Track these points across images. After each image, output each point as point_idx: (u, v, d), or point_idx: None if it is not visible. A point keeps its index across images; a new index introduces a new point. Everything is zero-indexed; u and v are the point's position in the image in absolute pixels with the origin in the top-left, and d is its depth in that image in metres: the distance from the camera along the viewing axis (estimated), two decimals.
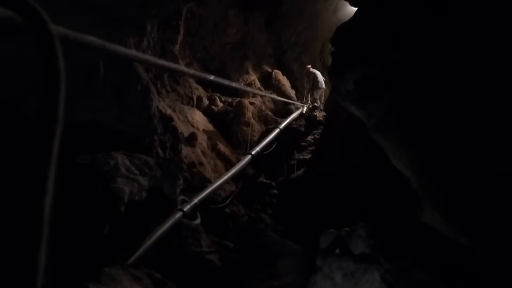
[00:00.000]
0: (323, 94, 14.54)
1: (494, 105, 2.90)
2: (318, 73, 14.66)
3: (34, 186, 0.72)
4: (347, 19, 4.86)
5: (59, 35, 0.75)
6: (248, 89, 11.53)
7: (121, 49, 1.86)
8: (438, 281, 3.43)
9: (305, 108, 12.25)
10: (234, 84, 9.52)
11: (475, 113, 3.02)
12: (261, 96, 14.33)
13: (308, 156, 10.45)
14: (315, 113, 12.85)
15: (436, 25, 3.35)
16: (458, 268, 3.43)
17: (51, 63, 0.73)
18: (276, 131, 11.35)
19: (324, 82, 14.28)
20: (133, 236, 5.33)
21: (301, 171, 9.35)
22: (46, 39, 0.74)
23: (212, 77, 6.47)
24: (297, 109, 13.75)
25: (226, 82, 8.33)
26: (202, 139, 10.43)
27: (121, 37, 6.90)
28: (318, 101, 14.43)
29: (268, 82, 15.17)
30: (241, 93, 14.07)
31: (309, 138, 11.61)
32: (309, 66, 14.99)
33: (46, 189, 0.72)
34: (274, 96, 12.25)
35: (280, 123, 12.06)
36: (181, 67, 5.99)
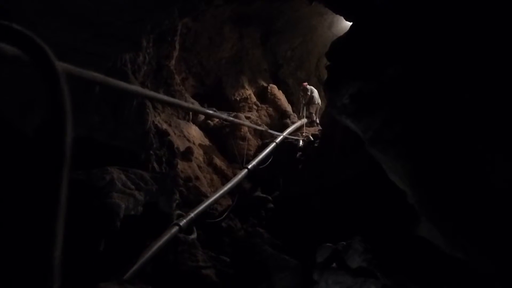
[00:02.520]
0: (319, 109, 14.67)
1: (490, 121, 2.93)
2: (314, 89, 14.83)
3: (43, 227, 0.73)
4: (342, 34, 4.91)
5: (64, 72, 0.77)
6: (246, 123, 11.50)
7: (121, 84, 1.88)
8: None
9: (301, 142, 12.05)
10: (231, 118, 9.62)
11: (471, 128, 3.04)
12: (257, 111, 14.37)
13: (304, 170, 10.45)
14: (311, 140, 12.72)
15: (431, 40, 3.39)
16: (455, 283, 3.43)
17: (58, 101, 0.75)
18: (272, 145, 11.37)
19: (320, 97, 14.41)
20: (129, 251, 5.30)
21: (297, 185, 9.34)
22: (53, 78, 0.76)
23: (212, 111, 6.62)
24: (293, 123, 13.79)
25: (223, 115, 8.56)
26: (198, 153, 10.43)
27: (117, 53, 6.93)
28: (314, 115, 14.53)
29: (263, 97, 15.23)
30: (237, 108, 14.11)
31: (305, 133, 11.82)
32: (306, 83, 15.15)
33: (56, 232, 0.73)
34: (268, 130, 12.09)
35: (276, 137, 12.07)
36: (181, 102, 6.01)
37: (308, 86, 14.88)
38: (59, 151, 0.73)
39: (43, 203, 0.72)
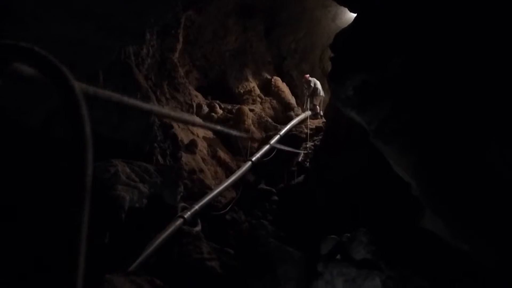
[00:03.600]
0: (322, 100, 14.60)
1: (495, 111, 2.91)
2: (317, 81, 14.75)
3: (68, 243, 0.75)
4: (346, 25, 4.89)
5: (82, 92, 0.78)
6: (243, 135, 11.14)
7: (137, 102, 1.88)
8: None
9: (301, 155, 11.15)
10: (234, 132, 9.50)
11: (477, 119, 3.02)
12: (261, 103, 14.35)
13: (308, 163, 10.44)
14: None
15: (436, 31, 3.37)
16: (459, 275, 3.42)
17: (78, 124, 0.76)
18: (276, 137, 11.35)
19: (324, 89, 14.35)
20: (134, 243, 5.32)
21: (301, 177, 9.34)
22: (72, 101, 0.76)
23: (219, 127, 6.65)
24: (297, 115, 13.76)
25: (233, 132, 8.53)
26: (202, 146, 10.43)
27: (120, 45, 6.92)
28: (318, 107, 14.47)
29: (267, 89, 15.20)
30: (241, 100, 14.09)
31: (310, 144, 11.61)
32: (307, 75, 15.06)
33: (79, 251, 0.75)
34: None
35: (280, 130, 12.05)
36: (195, 118, 6.01)
37: (310, 78, 14.79)
38: (81, 172, 0.74)
39: (67, 231, 0.74)
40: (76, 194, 0.72)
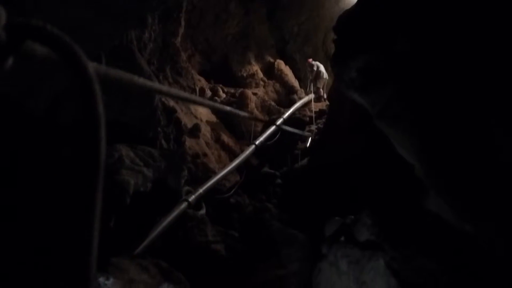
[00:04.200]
0: (326, 83, 14.53)
1: (500, 94, 2.90)
2: (320, 64, 14.67)
3: (81, 239, 0.76)
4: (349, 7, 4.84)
5: (95, 72, 0.78)
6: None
7: (147, 82, 1.88)
8: (442, 269, 3.44)
9: (309, 140, 10.81)
10: (242, 113, 9.35)
11: (481, 101, 3.01)
12: (264, 87, 14.31)
13: (312, 145, 10.45)
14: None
15: (441, 12, 3.34)
16: (463, 256, 3.44)
17: (91, 105, 0.76)
18: (280, 121, 11.34)
19: (327, 72, 14.27)
20: (139, 227, 5.37)
21: (305, 160, 9.36)
22: (86, 82, 0.77)
23: (228, 108, 6.62)
24: (301, 99, 13.72)
25: (241, 113, 8.52)
26: (205, 130, 10.45)
27: (122, 30, 6.89)
28: (321, 90, 14.42)
29: (270, 73, 15.15)
30: (244, 84, 14.05)
31: (313, 127, 11.60)
32: (310, 59, 14.98)
33: (92, 245, 0.76)
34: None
35: (283, 113, 12.04)
36: (203, 99, 6.00)
37: (313, 62, 14.71)
38: (94, 156, 0.74)
39: (78, 214, 0.75)
40: (90, 173, 0.73)
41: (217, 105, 8.38)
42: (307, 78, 15.20)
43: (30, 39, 0.73)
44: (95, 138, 0.75)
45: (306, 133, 11.16)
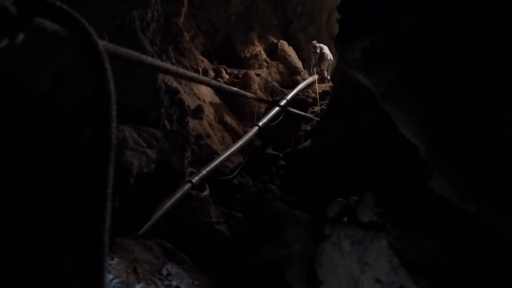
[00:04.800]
0: (330, 65, 14.43)
1: (505, 73, 2.87)
2: (324, 46, 14.55)
3: (93, 201, 0.76)
4: None
5: (104, 50, 0.78)
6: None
7: (155, 61, 1.89)
8: (445, 249, 3.46)
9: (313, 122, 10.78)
10: (249, 95, 9.32)
11: (485, 80, 2.98)
12: (267, 68, 14.23)
13: (315, 127, 10.42)
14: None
15: None
16: (466, 237, 3.45)
17: (102, 81, 0.76)
18: (283, 102, 11.30)
19: (332, 53, 14.16)
20: (143, 208, 5.40)
21: (308, 142, 9.35)
22: (97, 59, 0.77)
23: (234, 89, 6.57)
24: (304, 80, 13.65)
25: (248, 94, 8.46)
26: (208, 111, 10.44)
27: (125, 9, 6.83)
28: (326, 72, 14.32)
29: (274, 53, 15.04)
30: (247, 65, 13.97)
31: (316, 108, 11.56)
32: (315, 41, 14.85)
33: (106, 208, 0.76)
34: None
35: (287, 94, 11.98)
36: (209, 79, 5.95)
37: (317, 44, 14.58)
38: (104, 132, 0.75)
39: (90, 194, 0.75)
40: (101, 152, 0.73)
41: (223, 85, 8.30)
42: (310, 59, 15.10)
43: (40, 15, 0.73)
44: (106, 113, 0.75)
45: (309, 115, 11.11)
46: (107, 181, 0.74)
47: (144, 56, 1.68)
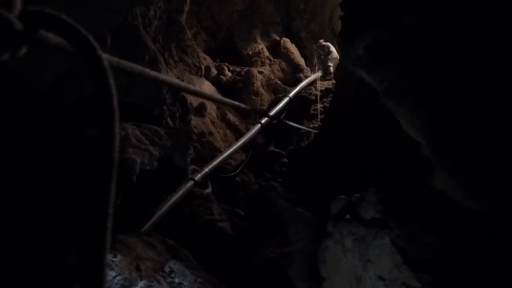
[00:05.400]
0: (337, 63, 14.42)
1: (508, 67, 2.86)
2: (330, 45, 14.51)
3: (96, 196, 0.75)
4: None
5: (107, 61, 0.78)
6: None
7: (160, 75, 1.89)
8: (448, 246, 3.45)
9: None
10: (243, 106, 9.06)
11: (489, 77, 2.97)
12: (270, 65, 14.22)
13: (317, 125, 10.42)
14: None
15: None
16: (469, 234, 3.44)
17: (106, 97, 0.77)
18: (286, 99, 11.28)
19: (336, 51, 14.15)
20: (146, 205, 5.41)
21: (311, 139, 9.34)
22: (101, 73, 0.77)
23: (240, 104, 6.53)
24: (307, 77, 13.62)
25: (242, 106, 8.29)
26: (211, 109, 10.44)
27: (127, 7, 6.84)
28: (332, 69, 14.28)
29: (276, 51, 15.03)
30: (250, 62, 13.96)
31: (319, 106, 11.54)
32: (322, 40, 14.80)
33: (109, 196, 0.76)
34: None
35: (289, 92, 11.97)
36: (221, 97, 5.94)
37: (324, 43, 14.54)
38: (108, 154, 0.74)
39: (92, 208, 0.75)
40: (103, 172, 0.73)
41: (224, 99, 8.17)
42: (313, 56, 15.04)
43: (45, 28, 0.72)
44: (109, 130, 0.75)
45: (306, 128, 10.73)
46: (111, 181, 0.74)
47: (147, 70, 1.68)
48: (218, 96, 8.30)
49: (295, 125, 10.02)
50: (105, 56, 0.79)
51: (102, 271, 0.72)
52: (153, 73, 1.77)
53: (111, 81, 0.76)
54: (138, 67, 1.58)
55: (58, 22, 0.71)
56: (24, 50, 0.70)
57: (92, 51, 0.74)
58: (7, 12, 0.64)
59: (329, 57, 14.27)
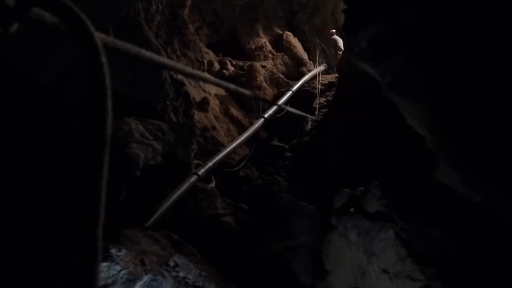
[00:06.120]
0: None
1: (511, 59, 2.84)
2: (338, 37, 14.40)
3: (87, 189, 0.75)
4: None
5: (101, 43, 0.77)
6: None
7: (154, 56, 1.88)
8: (452, 239, 3.45)
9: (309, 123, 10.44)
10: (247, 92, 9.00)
11: (493, 70, 2.96)
12: (273, 59, 14.17)
13: (318, 119, 10.39)
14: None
15: None
16: (472, 227, 3.44)
17: (98, 75, 0.76)
18: (289, 93, 11.24)
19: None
20: (150, 200, 5.42)
21: (314, 133, 9.33)
22: (93, 52, 0.76)
23: (244, 91, 6.51)
24: (310, 71, 13.57)
25: (246, 92, 8.19)
26: (214, 103, 10.42)
27: (129, 2, 6.82)
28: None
29: (279, 45, 14.97)
30: (252, 56, 13.92)
31: (322, 100, 11.50)
32: (333, 30, 14.67)
33: (101, 189, 0.76)
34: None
35: (292, 86, 11.93)
36: (205, 74, 5.87)
37: (334, 36, 14.42)
38: (100, 128, 0.74)
39: (83, 189, 0.75)
40: (95, 146, 0.73)
41: (222, 82, 8.12)
42: (316, 50, 14.96)
43: (38, 6, 0.72)
44: (101, 108, 0.74)
45: (310, 116, 10.77)
46: (100, 182, 0.73)
47: (143, 51, 1.67)
48: (223, 83, 8.25)
49: (299, 112, 9.99)
50: (99, 34, 0.78)
51: (94, 266, 0.72)
52: (148, 54, 1.76)
53: (104, 59, 0.76)
54: (134, 48, 1.56)
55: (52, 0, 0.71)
56: (15, 27, 0.70)
57: (84, 27, 0.73)
58: None
59: (339, 51, 14.13)
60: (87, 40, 0.74)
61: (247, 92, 7.83)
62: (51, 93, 5.16)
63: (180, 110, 8.02)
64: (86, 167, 0.75)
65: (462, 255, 3.25)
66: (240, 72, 12.54)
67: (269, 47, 14.66)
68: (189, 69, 3.78)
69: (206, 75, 8.88)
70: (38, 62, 4.81)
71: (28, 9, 0.71)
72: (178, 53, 10.29)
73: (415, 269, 3.29)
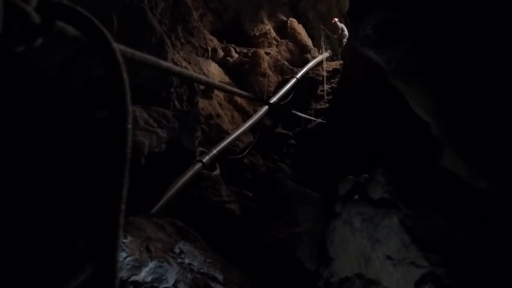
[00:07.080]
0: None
1: None
2: (344, 26, 14.29)
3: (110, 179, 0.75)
4: None
5: (121, 55, 0.77)
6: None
7: (172, 66, 1.90)
8: (456, 226, 3.45)
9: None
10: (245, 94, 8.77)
11: (497, 56, 2.93)
12: (277, 46, 14.10)
13: (325, 106, 10.36)
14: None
15: None
16: (477, 214, 3.44)
17: (119, 89, 0.76)
18: (293, 81, 11.21)
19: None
20: (155, 187, 5.44)
21: (318, 120, 9.31)
22: (114, 66, 0.76)
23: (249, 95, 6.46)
24: (314, 58, 13.50)
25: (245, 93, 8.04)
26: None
27: None
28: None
29: (283, 31, 14.88)
30: (256, 43, 13.86)
31: (327, 87, 11.46)
32: (337, 19, 14.56)
33: (123, 183, 0.76)
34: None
35: (296, 73, 11.88)
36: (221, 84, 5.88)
37: (338, 23, 14.31)
38: (121, 154, 0.74)
39: (104, 200, 0.75)
40: (115, 164, 0.73)
41: (230, 88, 8.01)
42: (320, 37, 14.85)
43: (61, 20, 0.72)
44: (122, 127, 0.75)
45: (313, 118, 10.56)
46: (125, 161, 0.74)
47: (161, 61, 1.68)
48: (228, 87, 8.19)
49: (302, 115, 9.81)
50: (119, 47, 0.78)
51: (115, 251, 0.73)
52: (165, 64, 1.78)
53: (125, 76, 0.76)
54: (152, 59, 1.58)
55: (74, 14, 0.71)
56: (39, 41, 0.71)
57: (106, 44, 0.74)
58: (24, 3, 0.63)
59: (344, 38, 14.04)
60: (109, 56, 0.74)
61: (245, 93, 7.80)
62: (57, 81, 5.16)
63: (185, 97, 8.02)
64: (107, 185, 0.76)
65: (466, 242, 3.26)
66: (244, 59, 12.49)
67: (273, 33, 14.58)
68: (204, 78, 3.80)
69: (215, 81, 8.81)
70: (44, 51, 4.81)
71: (52, 23, 0.71)
72: (182, 40, 10.25)
73: (419, 255, 3.30)
